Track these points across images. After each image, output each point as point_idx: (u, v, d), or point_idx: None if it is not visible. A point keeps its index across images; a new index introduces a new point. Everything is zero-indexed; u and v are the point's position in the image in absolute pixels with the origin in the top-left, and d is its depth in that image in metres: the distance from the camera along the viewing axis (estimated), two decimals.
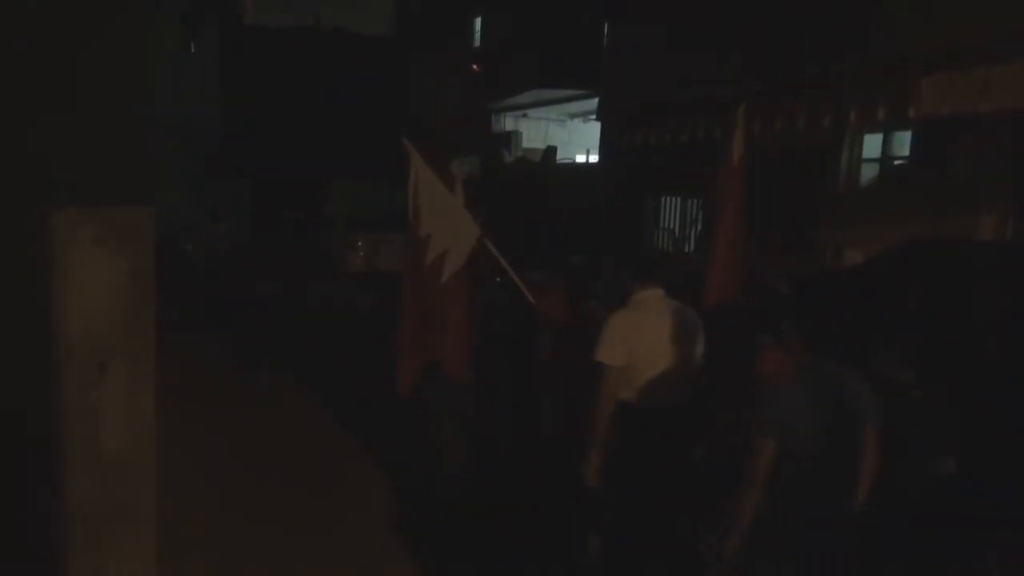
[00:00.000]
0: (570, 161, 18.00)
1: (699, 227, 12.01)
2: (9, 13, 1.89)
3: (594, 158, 16.57)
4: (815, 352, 2.94)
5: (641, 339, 3.53)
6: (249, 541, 4.34)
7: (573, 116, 18.82)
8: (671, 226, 12.60)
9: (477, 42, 19.83)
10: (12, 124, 1.92)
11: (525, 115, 19.16)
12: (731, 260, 4.52)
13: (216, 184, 18.43)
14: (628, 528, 3.50)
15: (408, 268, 4.33)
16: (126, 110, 2.05)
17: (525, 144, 18.79)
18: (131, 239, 2.05)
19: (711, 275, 4.50)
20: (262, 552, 4.25)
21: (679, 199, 12.36)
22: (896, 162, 8.92)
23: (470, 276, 4.26)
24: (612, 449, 3.46)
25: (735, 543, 2.84)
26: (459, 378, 4.19)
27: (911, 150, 8.63)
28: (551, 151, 17.49)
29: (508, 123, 19.48)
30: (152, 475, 2.14)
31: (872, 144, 9.08)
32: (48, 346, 1.96)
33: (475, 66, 19.30)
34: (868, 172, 9.17)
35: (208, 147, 19.29)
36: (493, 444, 4.67)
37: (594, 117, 16.05)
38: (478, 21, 19.68)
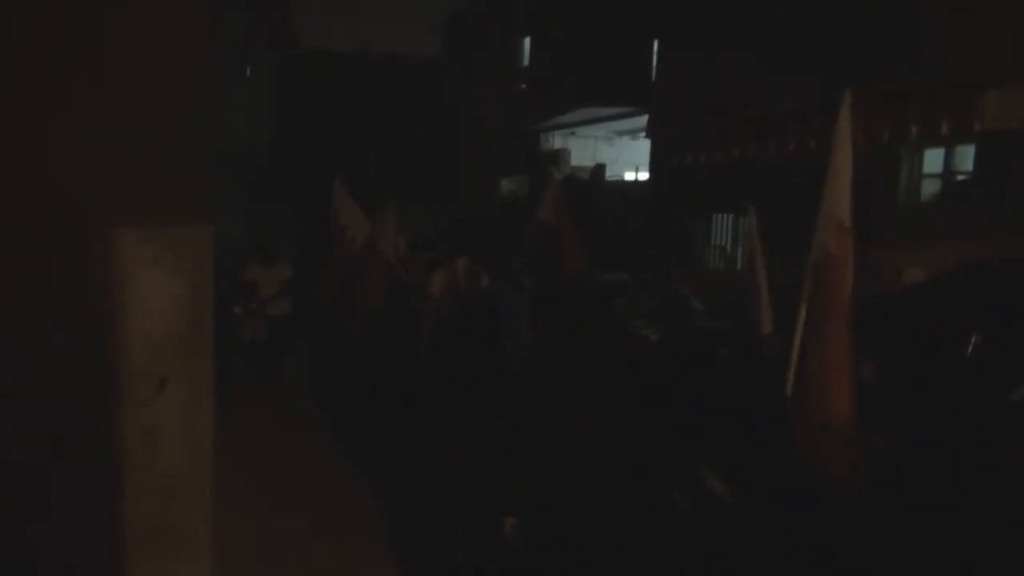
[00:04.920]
0: (619, 179, 17.90)
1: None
2: (70, 42, 1.93)
3: (643, 176, 16.45)
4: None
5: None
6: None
7: (622, 134, 18.73)
8: (723, 243, 12.41)
9: (525, 61, 19.94)
10: (71, 146, 1.95)
11: (573, 133, 19.14)
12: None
13: (261, 210, 18.32)
14: (441, 378, 5.52)
15: (336, 245, 7.53)
16: (186, 133, 2.08)
17: (573, 163, 18.74)
18: (190, 259, 2.07)
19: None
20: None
21: (731, 217, 12.17)
22: (959, 177, 8.63)
23: (377, 261, 7.00)
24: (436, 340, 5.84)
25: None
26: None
27: (975, 164, 8.33)
28: (600, 169, 17.41)
29: (556, 142, 19.49)
30: (208, 494, 2.14)
31: (933, 158, 8.80)
32: (107, 364, 1.98)
33: (523, 86, 19.39)
34: (929, 188, 8.89)
35: (256, 172, 19.58)
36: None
37: (643, 135, 15.95)
38: (527, 41, 19.80)
